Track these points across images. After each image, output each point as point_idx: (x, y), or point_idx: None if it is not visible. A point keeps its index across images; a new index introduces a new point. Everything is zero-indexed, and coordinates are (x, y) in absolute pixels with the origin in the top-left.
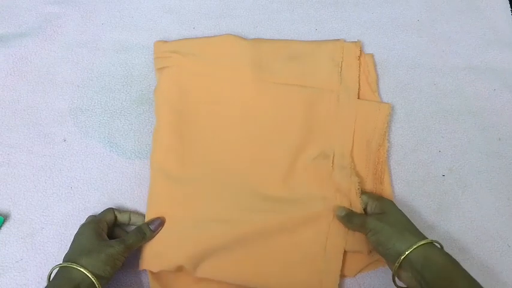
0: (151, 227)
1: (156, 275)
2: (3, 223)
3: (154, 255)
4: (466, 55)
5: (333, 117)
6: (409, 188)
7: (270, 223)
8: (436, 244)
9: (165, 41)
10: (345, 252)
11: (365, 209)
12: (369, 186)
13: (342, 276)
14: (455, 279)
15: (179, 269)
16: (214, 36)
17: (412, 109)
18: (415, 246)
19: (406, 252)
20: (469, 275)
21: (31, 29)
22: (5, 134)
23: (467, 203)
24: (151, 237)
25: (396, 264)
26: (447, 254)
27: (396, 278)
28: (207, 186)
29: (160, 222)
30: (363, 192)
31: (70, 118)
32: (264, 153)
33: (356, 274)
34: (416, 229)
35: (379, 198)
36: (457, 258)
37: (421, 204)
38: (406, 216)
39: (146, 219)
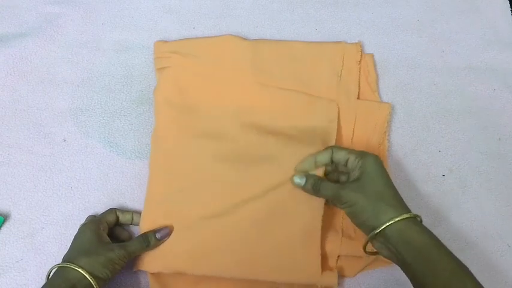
0: (158, 235)
1: (156, 275)
2: (3, 223)
3: (151, 257)
4: (466, 55)
5: (333, 126)
6: (409, 188)
7: (261, 215)
8: (417, 218)
9: (165, 41)
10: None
11: (346, 164)
12: None
13: (342, 276)
14: (434, 258)
15: (176, 271)
16: (214, 36)
17: (412, 109)
18: (390, 222)
19: (379, 229)
20: (449, 253)
21: (31, 29)
22: (5, 134)
23: (467, 203)
24: (156, 245)
25: (368, 237)
26: (426, 231)
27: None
28: (203, 187)
29: (168, 232)
30: (343, 148)
31: (70, 118)
32: (261, 155)
33: (355, 274)
34: (397, 199)
35: (361, 154)
36: None
37: (421, 204)
38: (389, 180)
39: (142, 219)
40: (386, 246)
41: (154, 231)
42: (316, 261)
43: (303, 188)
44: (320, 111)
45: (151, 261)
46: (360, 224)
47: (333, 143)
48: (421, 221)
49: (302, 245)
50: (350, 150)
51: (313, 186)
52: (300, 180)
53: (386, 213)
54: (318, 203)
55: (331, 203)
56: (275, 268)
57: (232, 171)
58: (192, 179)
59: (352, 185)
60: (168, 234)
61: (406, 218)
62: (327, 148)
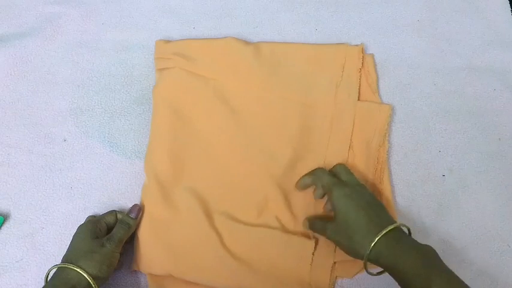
0: (132, 215)
1: (154, 276)
2: (3, 223)
3: (145, 258)
4: (466, 55)
5: (328, 135)
6: (409, 188)
7: (259, 230)
8: (403, 228)
9: (167, 41)
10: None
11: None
12: (369, 186)
13: (341, 277)
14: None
15: (167, 274)
16: (216, 38)
17: (412, 109)
18: (368, 251)
19: (364, 259)
20: (415, 257)
21: (31, 29)
22: (5, 134)
23: (467, 203)
24: (136, 224)
25: (363, 265)
26: (395, 245)
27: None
28: (198, 189)
29: (139, 208)
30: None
31: (70, 118)
32: (258, 161)
33: (354, 275)
34: (371, 220)
35: (329, 190)
36: (457, 258)
37: (421, 204)
38: (359, 207)
39: (142, 201)
40: (377, 263)
41: (128, 213)
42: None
43: (305, 229)
44: (314, 126)
45: (144, 263)
46: (354, 256)
47: (326, 146)
48: (408, 231)
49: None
50: (324, 186)
51: (310, 227)
52: (305, 227)
53: (363, 244)
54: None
55: None
56: (268, 275)
57: (225, 174)
58: (187, 177)
59: (331, 226)
60: (140, 210)
61: (381, 237)
62: (307, 173)
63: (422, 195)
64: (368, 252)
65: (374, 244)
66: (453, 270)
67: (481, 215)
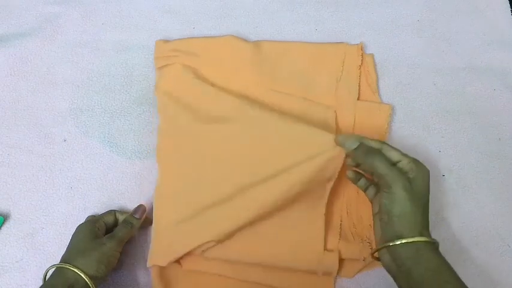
0: (136, 215)
1: (159, 273)
2: (3, 223)
3: (163, 249)
4: (466, 55)
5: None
6: None
7: (268, 200)
8: (435, 243)
9: (167, 41)
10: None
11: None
12: None
13: (341, 276)
14: (445, 279)
15: (189, 253)
16: (216, 36)
17: (412, 109)
18: (412, 240)
19: (399, 242)
20: (459, 278)
21: (31, 29)
22: (5, 134)
23: (467, 203)
24: (139, 224)
25: (386, 246)
26: (440, 256)
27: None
28: (212, 175)
29: (143, 209)
30: (395, 148)
31: (70, 118)
32: (258, 158)
33: (354, 275)
34: (427, 219)
35: (415, 161)
36: (457, 258)
37: None
38: (428, 199)
39: (154, 214)
40: (393, 258)
41: (133, 213)
42: (320, 240)
43: (353, 152)
44: (317, 117)
45: (163, 254)
46: (382, 223)
47: (332, 145)
48: (437, 247)
49: (307, 226)
50: (403, 153)
51: (367, 152)
52: (352, 143)
53: (412, 230)
54: (322, 191)
55: (369, 190)
56: (280, 252)
57: (231, 166)
58: (200, 167)
59: (387, 194)
60: (145, 211)
61: (425, 241)
62: (378, 141)
63: None
64: (405, 241)
65: (411, 241)
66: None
67: (481, 215)
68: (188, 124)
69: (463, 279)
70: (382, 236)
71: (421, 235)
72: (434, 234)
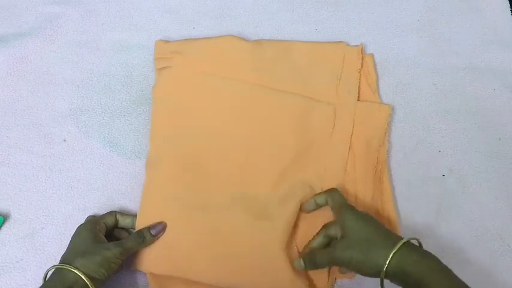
0: (153, 231)
1: (155, 275)
2: (3, 223)
3: (146, 258)
4: (466, 55)
5: (328, 131)
6: (409, 188)
7: (254, 211)
8: (414, 241)
9: (166, 41)
10: None
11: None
12: (369, 186)
13: (341, 277)
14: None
15: (168, 273)
16: (215, 37)
17: (412, 109)
18: (386, 264)
19: (381, 276)
20: (449, 276)
21: (31, 29)
22: (5, 134)
23: (467, 203)
24: (152, 241)
25: (381, 281)
26: (421, 258)
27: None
28: (200, 184)
29: (162, 227)
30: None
31: (70, 118)
32: (257, 158)
33: (354, 275)
34: (385, 235)
35: (336, 211)
36: (457, 259)
37: (421, 204)
38: (369, 223)
39: (137, 219)
40: (397, 283)
41: (149, 228)
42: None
43: (306, 268)
44: (317, 116)
45: (145, 262)
46: (367, 275)
47: (327, 146)
48: (419, 244)
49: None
50: (336, 204)
51: (310, 262)
52: (299, 264)
53: (380, 256)
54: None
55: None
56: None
57: (229, 166)
58: (188, 176)
59: (341, 243)
60: (163, 230)
61: (398, 249)
62: (322, 193)
63: (422, 195)
64: (386, 265)
65: (391, 258)
66: (453, 270)
67: (481, 215)
68: (178, 133)
69: (463, 279)
70: (373, 275)
71: (391, 249)
72: (435, 234)
